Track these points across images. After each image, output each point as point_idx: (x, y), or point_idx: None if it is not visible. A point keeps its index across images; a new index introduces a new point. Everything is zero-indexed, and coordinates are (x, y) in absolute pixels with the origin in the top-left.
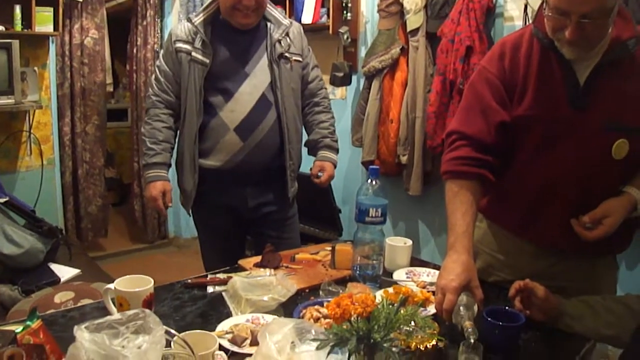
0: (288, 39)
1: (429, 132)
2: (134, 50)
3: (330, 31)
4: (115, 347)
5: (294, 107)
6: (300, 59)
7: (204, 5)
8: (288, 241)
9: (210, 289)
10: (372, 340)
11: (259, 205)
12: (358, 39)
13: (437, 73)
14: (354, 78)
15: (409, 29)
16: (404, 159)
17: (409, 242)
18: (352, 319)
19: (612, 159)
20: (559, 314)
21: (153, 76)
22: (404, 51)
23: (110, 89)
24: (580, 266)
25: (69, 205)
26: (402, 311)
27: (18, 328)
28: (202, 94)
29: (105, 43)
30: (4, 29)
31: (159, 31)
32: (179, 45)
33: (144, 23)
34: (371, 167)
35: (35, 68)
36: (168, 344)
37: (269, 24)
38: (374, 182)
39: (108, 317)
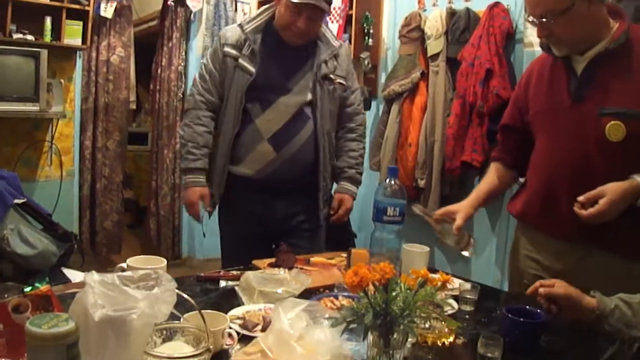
0: (335, 60)
1: (448, 154)
2: (159, 70)
3: (352, 56)
4: (125, 288)
5: (330, 129)
6: (344, 82)
7: (256, 13)
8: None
9: (222, 284)
10: (388, 318)
11: (288, 216)
12: (379, 65)
13: (457, 96)
14: (373, 104)
15: (429, 54)
16: (421, 183)
17: (426, 248)
18: (369, 291)
19: (608, 141)
20: (586, 310)
21: (197, 74)
22: (424, 76)
23: (133, 106)
24: (610, 267)
25: (85, 219)
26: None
27: (27, 288)
28: (242, 102)
29: (131, 62)
30: (33, 39)
31: (183, 53)
32: (227, 49)
33: (170, 45)
34: (390, 167)
35: (62, 80)
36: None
37: (319, 42)
38: (392, 182)
39: (119, 273)
